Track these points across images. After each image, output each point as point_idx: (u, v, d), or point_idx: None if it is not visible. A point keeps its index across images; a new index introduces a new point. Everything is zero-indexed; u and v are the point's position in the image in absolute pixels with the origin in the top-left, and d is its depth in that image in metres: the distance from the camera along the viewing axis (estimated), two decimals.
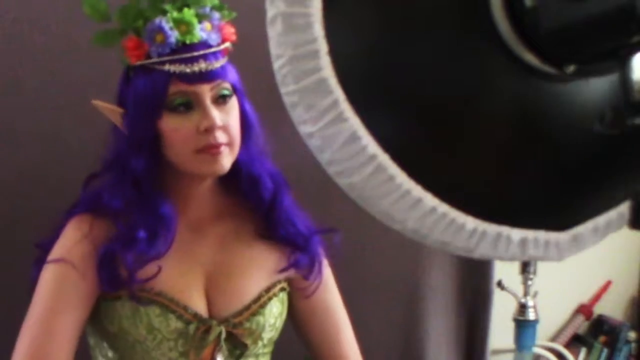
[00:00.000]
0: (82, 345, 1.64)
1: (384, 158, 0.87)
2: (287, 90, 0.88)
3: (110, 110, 1.68)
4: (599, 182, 0.95)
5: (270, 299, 1.74)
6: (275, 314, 1.74)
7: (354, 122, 0.86)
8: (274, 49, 0.88)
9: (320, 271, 1.81)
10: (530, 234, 0.93)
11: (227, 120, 1.64)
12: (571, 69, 0.85)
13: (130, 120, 1.65)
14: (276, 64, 0.88)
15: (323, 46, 0.86)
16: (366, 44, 0.88)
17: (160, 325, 1.64)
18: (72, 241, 1.65)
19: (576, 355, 2.90)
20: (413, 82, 0.87)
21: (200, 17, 1.63)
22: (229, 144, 1.65)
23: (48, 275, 1.63)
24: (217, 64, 1.63)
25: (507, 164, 0.91)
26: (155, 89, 1.62)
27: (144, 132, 1.63)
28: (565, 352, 2.87)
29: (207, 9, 1.64)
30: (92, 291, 1.63)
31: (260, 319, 1.71)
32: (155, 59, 1.61)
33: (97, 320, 1.67)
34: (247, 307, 1.71)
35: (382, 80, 0.87)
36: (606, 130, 0.83)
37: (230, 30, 1.68)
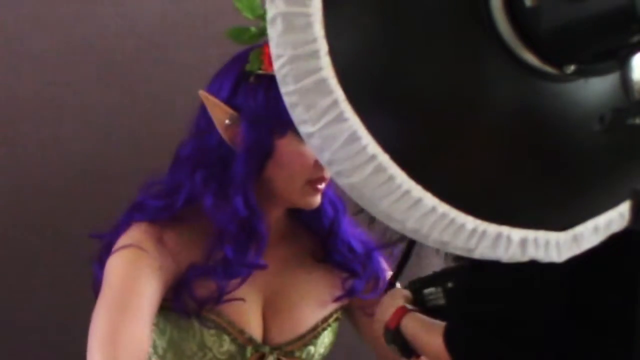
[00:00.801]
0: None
1: (384, 158, 0.87)
2: (287, 90, 0.88)
3: (217, 107, 1.60)
4: (599, 182, 0.95)
5: (324, 329, 1.72)
6: (326, 343, 1.73)
7: (354, 122, 0.86)
8: (274, 49, 0.88)
9: (385, 286, 1.75)
10: (530, 234, 0.93)
11: None
12: (571, 69, 0.85)
13: (250, 128, 1.57)
14: (276, 64, 0.88)
15: (323, 46, 0.86)
16: (366, 44, 0.88)
17: (213, 345, 1.62)
18: (143, 242, 1.59)
19: None
20: (413, 82, 0.87)
21: None
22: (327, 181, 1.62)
23: (118, 260, 1.57)
24: None
25: (507, 163, 0.91)
26: None
27: (261, 144, 1.58)
28: None
29: None
30: (166, 278, 1.58)
31: (311, 348, 1.70)
32: None
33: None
34: (302, 337, 1.70)
35: (382, 80, 0.87)
36: (606, 130, 0.83)
37: None
